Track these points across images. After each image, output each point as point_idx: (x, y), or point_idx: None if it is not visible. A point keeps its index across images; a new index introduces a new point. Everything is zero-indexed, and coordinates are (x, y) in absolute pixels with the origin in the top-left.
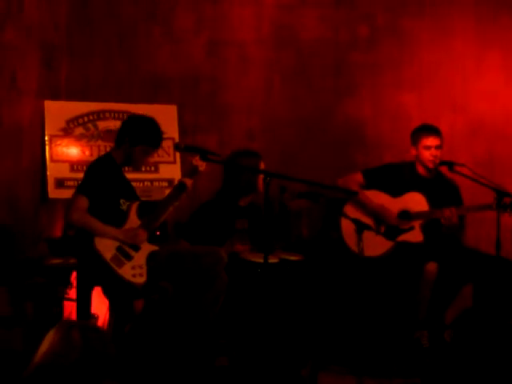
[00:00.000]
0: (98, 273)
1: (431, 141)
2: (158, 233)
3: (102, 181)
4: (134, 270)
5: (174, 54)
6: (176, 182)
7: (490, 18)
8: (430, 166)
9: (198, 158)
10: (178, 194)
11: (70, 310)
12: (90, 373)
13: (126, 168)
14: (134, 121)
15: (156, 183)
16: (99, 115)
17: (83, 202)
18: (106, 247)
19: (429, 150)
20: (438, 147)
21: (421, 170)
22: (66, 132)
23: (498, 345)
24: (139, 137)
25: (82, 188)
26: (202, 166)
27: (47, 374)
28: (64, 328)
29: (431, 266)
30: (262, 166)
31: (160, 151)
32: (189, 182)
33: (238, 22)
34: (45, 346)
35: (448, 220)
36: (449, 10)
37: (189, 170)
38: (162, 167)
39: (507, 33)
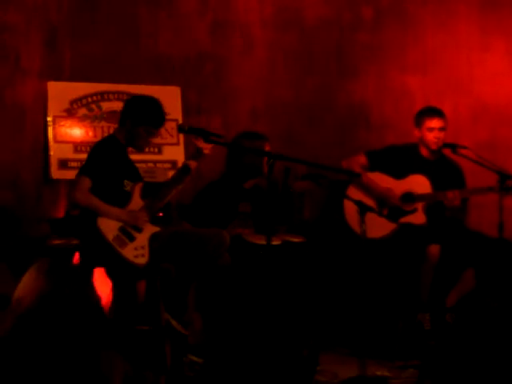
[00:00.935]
0: (101, 253)
1: (435, 122)
2: (160, 214)
3: (105, 162)
4: (136, 251)
5: (178, 35)
6: (180, 164)
7: (494, 2)
8: (434, 147)
9: (202, 140)
10: (182, 176)
11: None
12: (82, 325)
13: (130, 149)
14: (136, 101)
15: (159, 165)
16: (103, 96)
17: (86, 183)
18: (109, 227)
19: (432, 131)
20: (441, 129)
21: (424, 152)
22: (70, 113)
23: (500, 329)
24: (141, 117)
25: (85, 169)
26: (207, 148)
27: (37, 319)
28: (45, 269)
29: (434, 249)
30: (268, 148)
31: (163, 133)
32: (193, 164)
33: (242, 2)
34: (26, 288)
35: (451, 202)
36: None
37: (194, 153)
38: (165, 149)
39: (510, 18)
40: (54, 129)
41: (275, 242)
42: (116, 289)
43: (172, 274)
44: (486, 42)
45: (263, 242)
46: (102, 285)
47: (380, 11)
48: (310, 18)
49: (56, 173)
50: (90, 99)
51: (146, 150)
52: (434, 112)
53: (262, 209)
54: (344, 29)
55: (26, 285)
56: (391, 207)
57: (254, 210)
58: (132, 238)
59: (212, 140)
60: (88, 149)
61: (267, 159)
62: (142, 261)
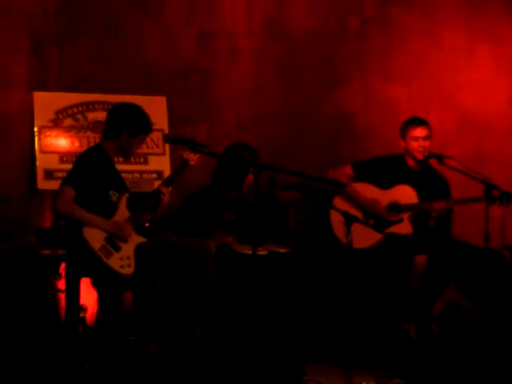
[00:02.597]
0: (87, 263)
1: (419, 131)
2: (147, 225)
3: (90, 172)
4: (122, 261)
5: (165, 44)
6: (165, 175)
7: (480, 9)
8: (419, 156)
9: (187, 150)
10: (155, 201)
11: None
12: None
13: (116, 159)
14: (127, 111)
15: (145, 175)
16: (88, 106)
17: (70, 193)
18: (95, 237)
19: (417, 140)
20: (426, 138)
21: (410, 162)
22: (56, 123)
23: (486, 338)
24: (138, 127)
25: (69, 179)
26: (193, 159)
27: None
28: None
29: (420, 259)
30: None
31: (149, 143)
32: (165, 190)
33: (229, 12)
34: None
35: (437, 212)
36: (438, 1)
37: (179, 164)
38: (151, 159)
39: (497, 24)
40: (39, 139)
41: (261, 252)
42: (102, 299)
43: (158, 284)
44: (471, 48)
45: (249, 251)
46: (88, 295)
47: (366, 20)
48: (296, 28)
49: (42, 183)
50: (75, 109)
51: (132, 160)
52: (417, 121)
53: (246, 218)
54: (330, 39)
55: None
56: (377, 217)
57: (238, 220)
58: (118, 249)
59: (198, 150)
60: (74, 159)
61: (253, 169)
62: (128, 271)
